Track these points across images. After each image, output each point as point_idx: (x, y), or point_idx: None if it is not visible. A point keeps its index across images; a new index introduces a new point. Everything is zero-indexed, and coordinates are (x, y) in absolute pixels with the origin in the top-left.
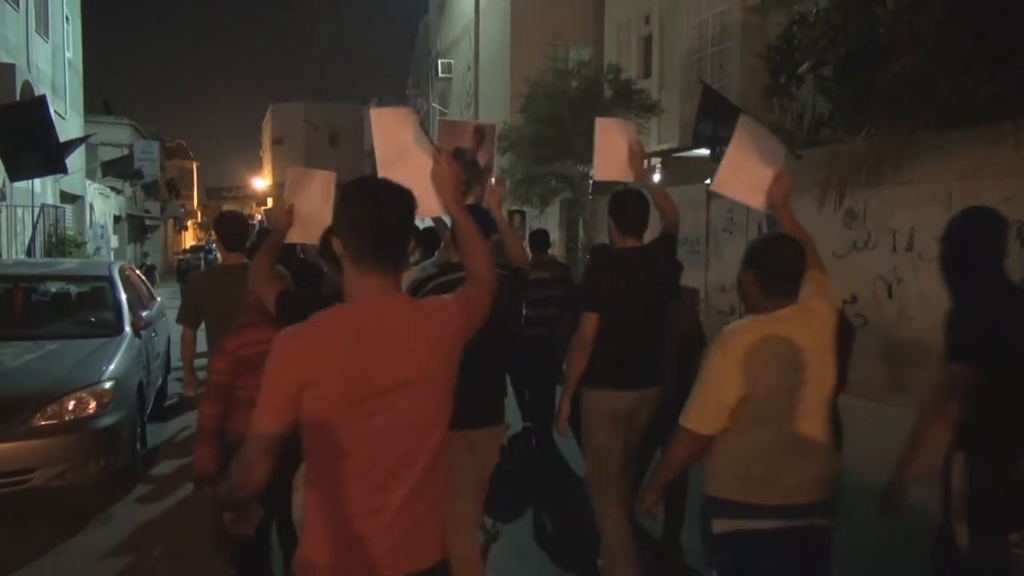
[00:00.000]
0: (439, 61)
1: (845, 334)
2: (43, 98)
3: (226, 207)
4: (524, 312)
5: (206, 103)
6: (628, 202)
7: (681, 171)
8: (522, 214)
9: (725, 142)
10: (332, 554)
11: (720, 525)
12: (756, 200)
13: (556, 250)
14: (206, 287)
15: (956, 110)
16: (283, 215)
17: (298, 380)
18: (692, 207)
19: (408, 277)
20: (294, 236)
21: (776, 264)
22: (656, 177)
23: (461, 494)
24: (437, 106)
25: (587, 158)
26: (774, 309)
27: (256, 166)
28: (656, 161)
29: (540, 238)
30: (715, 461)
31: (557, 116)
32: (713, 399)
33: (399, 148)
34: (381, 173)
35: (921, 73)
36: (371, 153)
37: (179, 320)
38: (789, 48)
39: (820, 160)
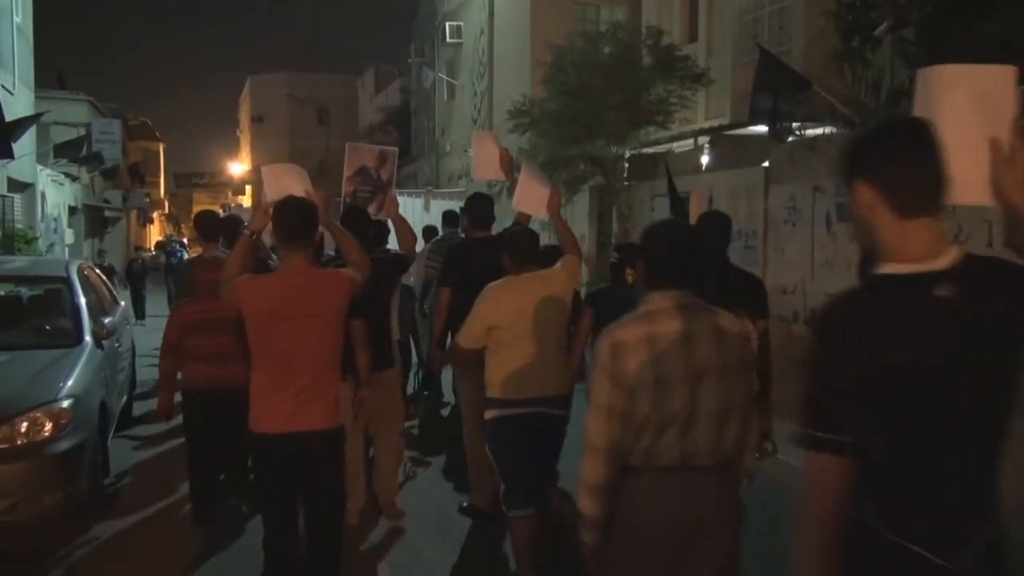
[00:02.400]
0: (447, 24)
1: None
2: None
3: (198, 196)
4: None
5: (174, 75)
6: (479, 203)
7: (734, 151)
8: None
9: (787, 116)
10: (262, 412)
11: (490, 414)
12: (542, 210)
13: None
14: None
15: None
16: (262, 217)
17: (242, 302)
18: (747, 194)
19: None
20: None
21: (519, 248)
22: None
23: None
24: (444, 76)
25: (622, 137)
26: (520, 274)
27: (232, 148)
28: (704, 140)
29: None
30: (488, 373)
31: (587, 88)
32: (474, 327)
33: (283, 190)
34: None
35: (1022, 33)
36: (366, 133)
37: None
38: (864, 5)
39: None
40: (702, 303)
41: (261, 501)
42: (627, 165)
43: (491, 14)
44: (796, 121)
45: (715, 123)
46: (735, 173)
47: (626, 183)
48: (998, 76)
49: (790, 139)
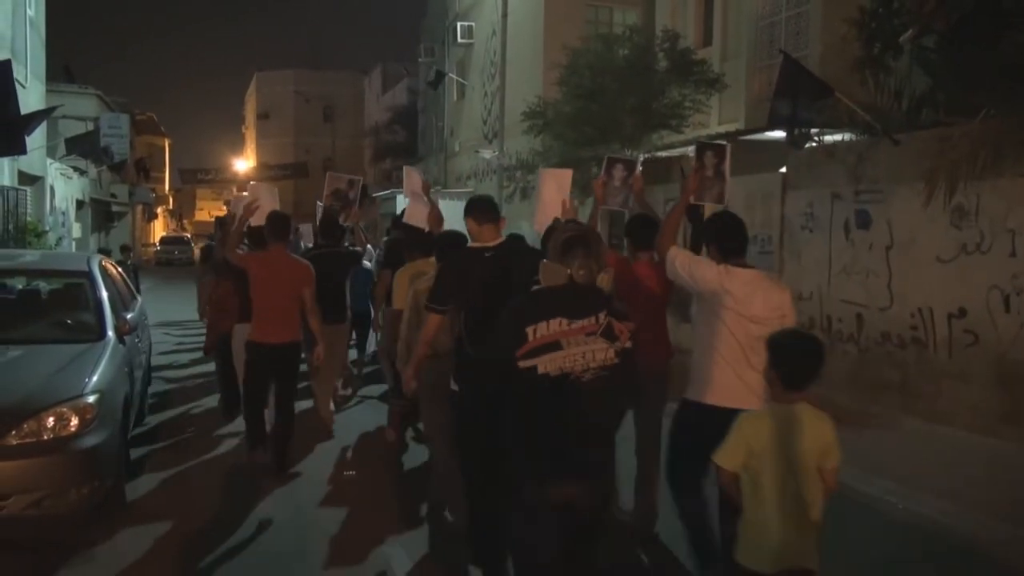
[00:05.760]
0: (458, 24)
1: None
2: (7, 63)
3: (203, 192)
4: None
5: (180, 70)
6: (399, 218)
7: (750, 156)
8: None
9: (806, 123)
10: (256, 329)
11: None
12: (424, 223)
13: None
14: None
15: None
16: (250, 210)
17: (250, 269)
18: (763, 200)
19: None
20: (255, 221)
21: (410, 245)
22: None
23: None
24: (455, 77)
25: (636, 140)
26: (412, 260)
27: (237, 145)
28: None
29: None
30: (385, 328)
31: (602, 91)
32: (398, 295)
33: (260, 202)
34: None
35: None
36: (371, 132)
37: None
38: (887, 12)
39: (924, 147)
40: None
41: (249, 377)
42: (641, 168)
43: (504, 15)
44: (815, 127)
45: (729, 128)
46: (749, 179)
47: None
48: (565, 173)
49: (809, 145)
